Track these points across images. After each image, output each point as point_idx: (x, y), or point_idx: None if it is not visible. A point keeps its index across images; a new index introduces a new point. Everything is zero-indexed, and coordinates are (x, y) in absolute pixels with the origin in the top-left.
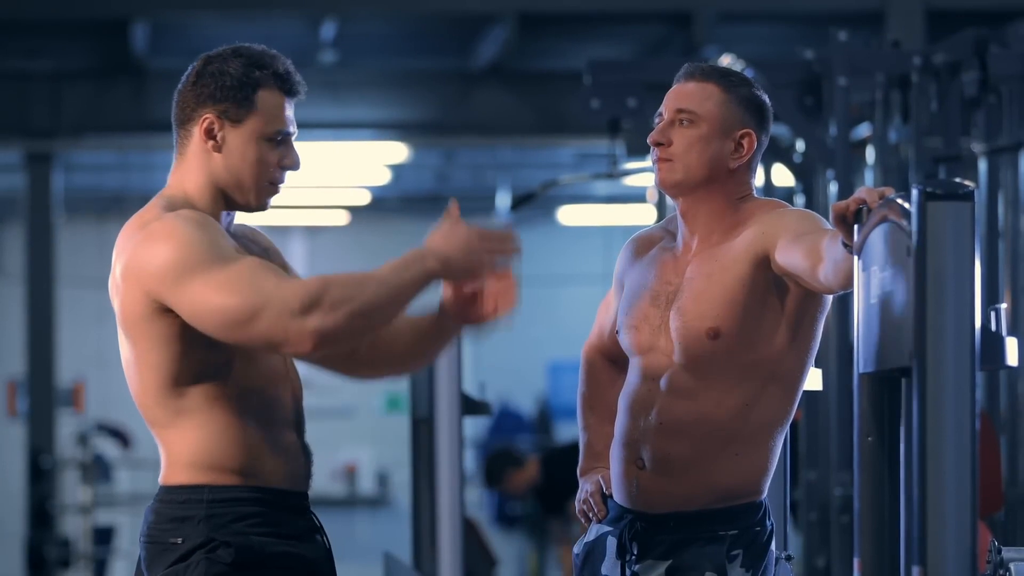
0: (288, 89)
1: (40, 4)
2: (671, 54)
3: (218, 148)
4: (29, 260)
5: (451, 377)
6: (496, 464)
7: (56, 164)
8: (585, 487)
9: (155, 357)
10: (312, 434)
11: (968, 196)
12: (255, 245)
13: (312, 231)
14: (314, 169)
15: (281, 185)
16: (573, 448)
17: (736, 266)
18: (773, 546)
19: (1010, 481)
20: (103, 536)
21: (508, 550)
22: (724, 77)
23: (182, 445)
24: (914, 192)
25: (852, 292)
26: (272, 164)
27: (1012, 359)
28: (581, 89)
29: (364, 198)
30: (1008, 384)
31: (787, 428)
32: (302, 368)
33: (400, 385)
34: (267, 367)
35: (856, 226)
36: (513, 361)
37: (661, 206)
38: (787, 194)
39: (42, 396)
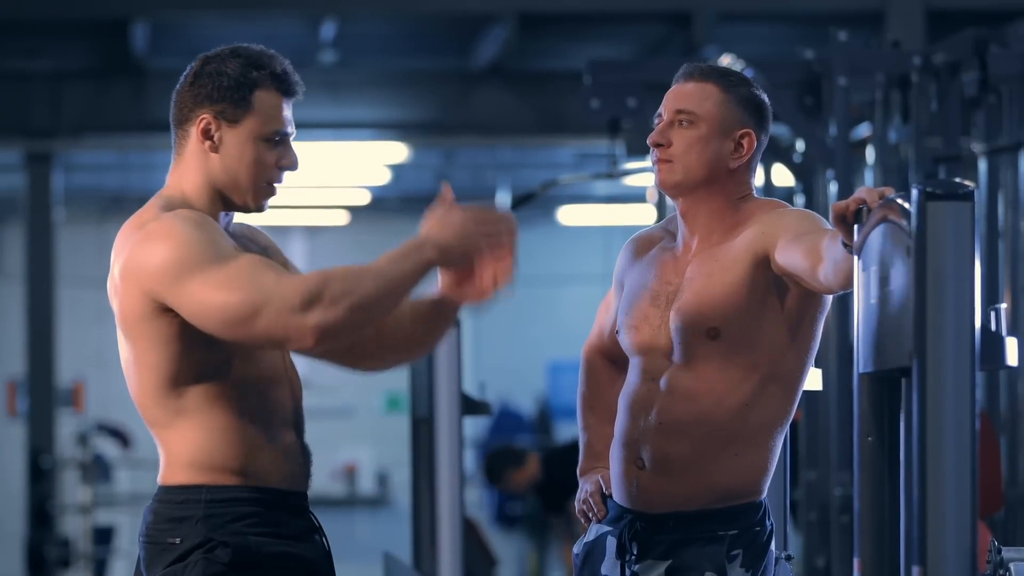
0: (286, 89)
1: (40, 4)
2: (671, 54)
3: (215, 148)
4: (29, 260)
5: (451, 377)
6: (497, 462)
7: (56, 164)
8: (585, 487)
9: (154, 357)
10: (312, 434)
11: (968, 196)
12: (254, 244)
13: (312, 231)
14: (314, 169)
15: (279, 185)
16: (574, 447)
17: (736, 266)
18: (773, 546)
19: (1010, 481)
20: (103, 536)
21: (508, 550)
22: (723, 77)
23: (181, 445)
24: (914, 192)
25: (852, 292)
26: (270, 164)
27: (1012, 359)
28: (581, 89)
29: (364, 198)
30: (1008, 384)
31: (787, 428)
32: (302, 368)
33: (400, 385)
34: (266, 367)
35: (856, 226)
36: (513, 361)
37: (661, 206)
38: (787, 194)
39: (42, 396)
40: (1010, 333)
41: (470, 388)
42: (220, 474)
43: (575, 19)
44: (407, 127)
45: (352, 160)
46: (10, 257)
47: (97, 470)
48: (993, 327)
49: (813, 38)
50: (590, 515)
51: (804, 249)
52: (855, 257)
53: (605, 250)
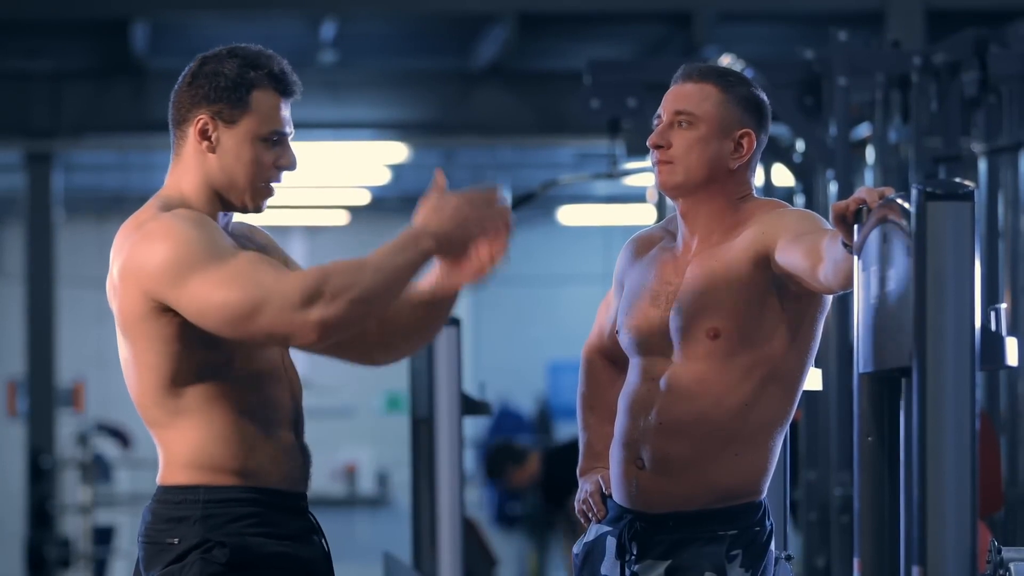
0: (283, 89)
1: (40, 4)
2: (671, 54)
3: (212, 149)
4: (29, 260)
5: (451, 377)
6: (497, 458)
7: (56, 164)
8: (585, 487)
9: (153, 357)
10: (312, 434)
11: (968, 196)
12: (252, 243)
13: (312, 231)
14: (314, 169)
15: (277, 185)
16: (574, 445)
17: (736, 266)
18: (773, 546)
19: (1010, 481)
20: (103, 536)
21: (508, 550)
22: (721, 77)
23: (180, 445)
24: (914, 192)
25: (852, 292)
26: (268, 165)
27: (1012, 359)
28: (581, 89)
29: (364, 198)
30: (1008, 384)
31: (787, 428)
32: (302, 368)
33: (400, 385)
34: (265, 367)
35: (856, 226)
36: (513, 361)
37: (661, 206)
38: (787, 194)
39: (42, 396)
40: (1010, 333)
41: (470, 388)
42: (218, 474)
43: (575, 19)
44: (407, 127)
45: (352, 160)
46: (10, 257)
47: (97, 470)
48: (993, 327)
49: (813, 38)
50: (590, 515)
51: (804, 249)
52: (855, 257)
53: (605, 250)
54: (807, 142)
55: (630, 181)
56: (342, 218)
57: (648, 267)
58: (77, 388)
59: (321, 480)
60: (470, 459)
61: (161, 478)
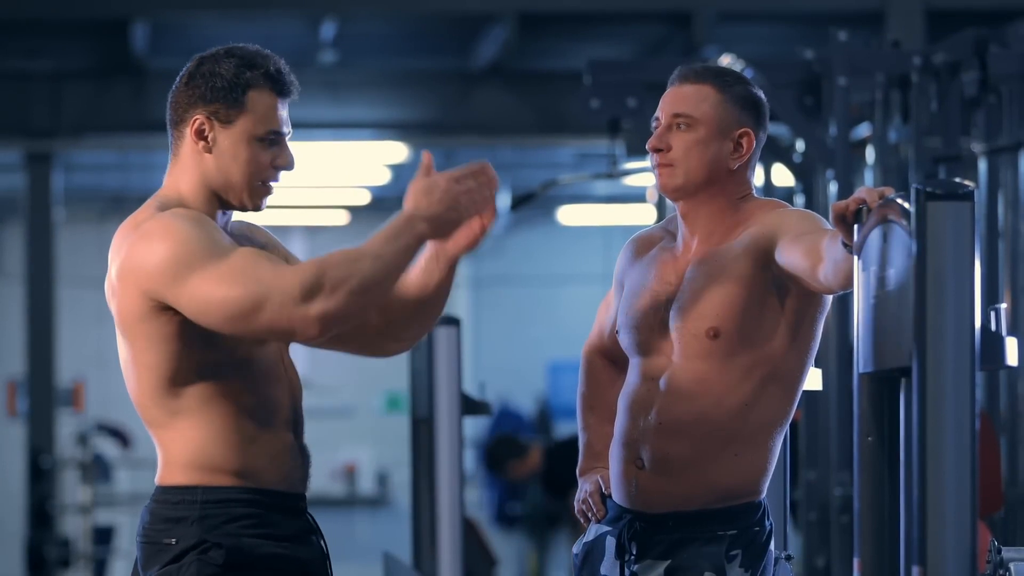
0: (280, 89)
1: (40, 4)
2: (671, 54)
3: (209, 149)
4: (29, 260)
5: (451, 377)
6: (499, 451)
7: (56, 164)
8: (584, 487)
9: (152, 357)
10: (312, 434)
11: (968, 196)
12: (252, 242)
13: (312, 231)
14: (314, 169)
15: (275, 185)
16: (576, 441)
17: (736, 266)
18: (772, 546)
19: (1010, 481)
20: (103, 536)
21: (508, 550)
22: (719, 77)
23: (178, 445)
24: (914, 192)
25: (852, 292)
26: (265, 164)
27: (1012, 359)
28: (581, 89)
29: (364, 198)
30: (1008, 384)
31: (787, 428)
32: (302, 368)
33: (400, 385)
34: (264, 367)
35: (856, 226)
36: (513, 361)
37: (661, 206)
38: (787, 194)
39: (42, 396)
40: (1010, 333)
41: (470, 388)
42: (217, 475)
43: (575, 19)
44: (407, 127)
45: (352, 160)
46: (10, 257)
47: (97, 470)
48: (993, 327)
49: (813, 38)
50: (589, 515)
51: (804, 249)
52: (855, 257)
53: (605, 250)
54: (807, 142)
55: (630, 181)
56: (342, 218)
57: (648, 267)
58: (77, 388)
59: (321, 480)
60: (470, 459)
61: (160, 478)
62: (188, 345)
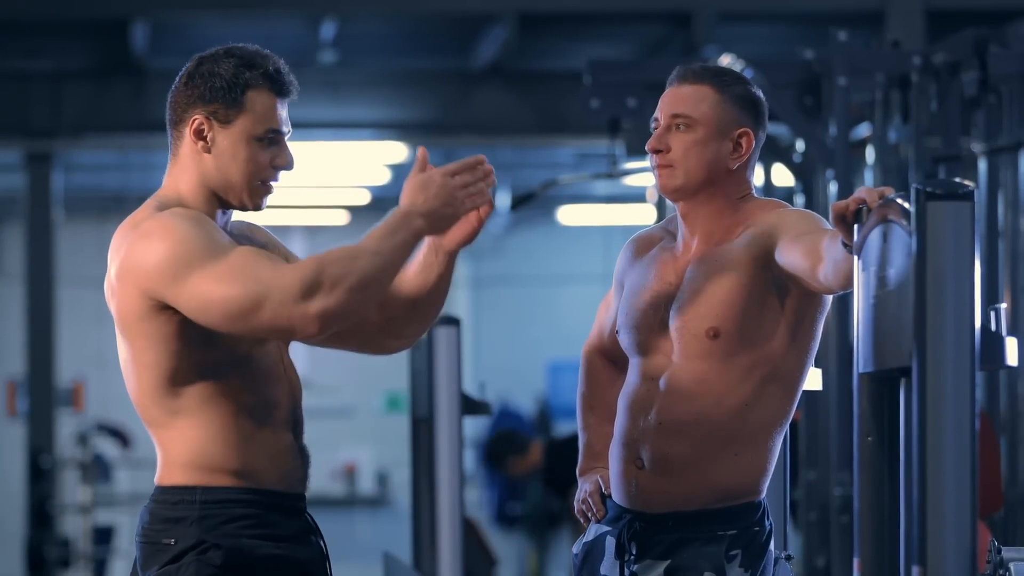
0: (279, 89)
1: (40, 4)
2: (671, 54)
3: (208, 149)
4: (29, 260)
5: (451, 377)
6: (499, 446)
7: (56, 164)
8: (584, 487)
9: (151, 356)
10: (312, 434)
11: (968, 196)
12: (252, 242)
13: (312, 231)
14: (314, 169)
15: (274, 184)
16: (576, 438)
17: (736, 266)
18: (772, 546)
19: (1010, 481)
20: (103, 536)
21: (508, 550)
22: (717, 77)
23: (178, 445)
24: (914, 192)
25: (852, 292)
26: (264, 164)
27: (1012, 359)
28: (581, 89)
29: (364, 198)
30: (1008, 384)
31: (787, 428)
32: (302, 368)
33: (400, 385)
34: (264, 367)
35: (856, 226)
36: (513, 361)
37: (661, 206)
38: (787, 194)
39: (42, 396)
40: (1010, 333)
41: (470, 388)
42: (216, 475)
43: (575, 19)
44: (407, 127)
45: (352, 160)
46: (10, 257)
47: (97, 470)
48: (993, 327)
49: (813, 38)
50: (589, 515)
51: (804, 249)
52: (855, 257)
53: (605, 250)
54: (807, 142)
55: (630, 181)
56: (342, 218)
57: (648, 267)
58: (77, 388)
59: (321, 480)
60: (470, 459)
61: (159, 478)
62: (187, 344)
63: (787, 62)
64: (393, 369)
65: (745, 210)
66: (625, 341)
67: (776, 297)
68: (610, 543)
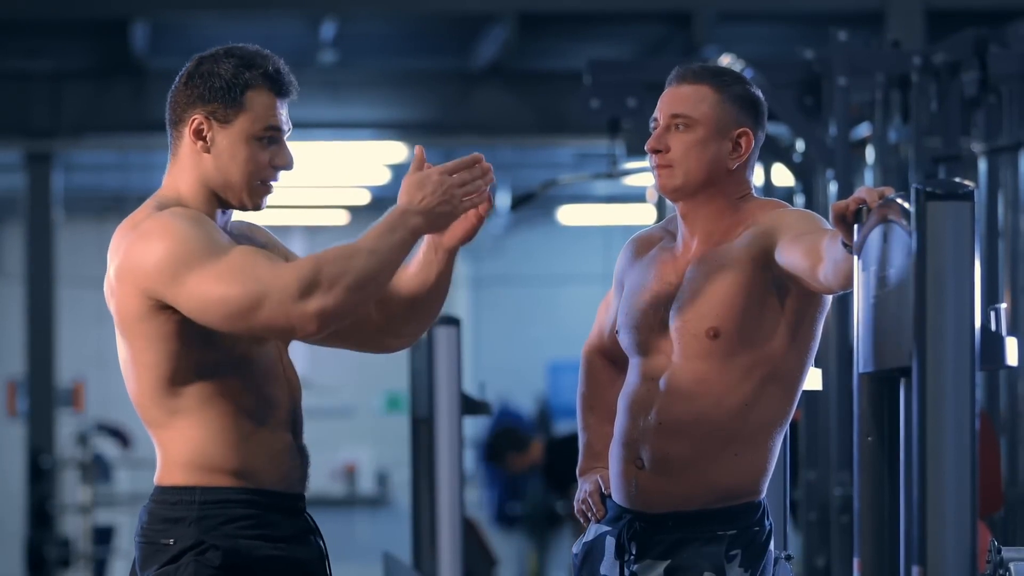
0: (279, 89)
1: (40, 4)
2: (671, 54)
3: (207, 149)
4: (29, 260)
5: (451, 377)
6: (499, 442)
7: (56, 164)
8: (584, 487)
9: (151, 356)
10: (312, 434)
11: (968, 196)
12: (252, 242)
13: (312, 231)
14: (314, 169)
15: (274, 184)
16: (577, 436)
17: (736, 266)
18: (772, 546)
19: (1010, 481)
20: (103, 536)
21: (508, 550)
22: (716, 77)
23: (177, 445)
24: (914, 192)
25: (852, 292)
26: (263, 164)
27: (1012, 359)
28: (581, 89)
29: (364, 198)
30: (1008, 384)
31: (787, 428)
32: (301, 368)
33: (400, 385)
34: (263, 367)
35: (856, 226)
36: (513, 361)
37: (661, 206)
38: (787, 194)
39: (42, 396)
40: (1010, 333)
41: (470, 388)
42: (215, 475)
43: (575, 19)
44: (407, 127)
45: (352, 160)
46: (10, 257)
47: (97, 470)
48: (993, 327)
49: (813, 38)
50: (589, 515)
51: (804, 249)
52: (855, 257)
53: (605, 250)
54: (807, 142)
55: (630, 181)
56: (342, 218)
57: (648, 267)
58: (77, 388)
59: (321, 480)
60: (470, 459)
61: (158, 478)
62: (187, 344)
63: (787, 62)
64: (393, 369)
65: (745, 210)
66: (625, 341)
67: (776, 297)
68: (610, 543)
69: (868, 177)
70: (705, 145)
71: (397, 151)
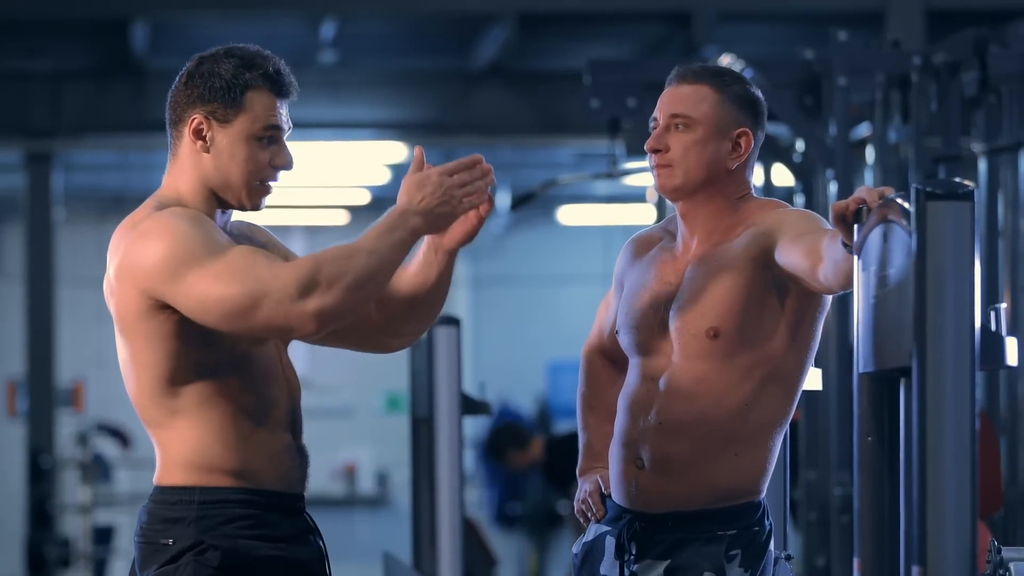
0: (279, 90)
1: (40, 4)
2: (671, 54)
3: (207, 148)
4: (29, 260)
5: (451, 377)
6: (500, 439)
7: (56, 164)
8: (584, 487)
9: (151, 356)
10: (312, 434)
11: (968, 196)
12: (252, 242)
13: (312, 231)
14: (314, 169)
15: (273, 184)
16: (577, 434)
17: (736, 266)
18: (772, 546)
19: (1010, 481)
20: (103, 536)
21: (508, 550)
22: (716, 77)
23: (176, 445)
24: (914, 192)
25: (852, 292)
26: (263, 164)
27: (1012, 359)
28: (581, 89)
29: (364, 198)
30: (1008, 384)
31: (787, 428)
32: (301, 368)
33: (400, 385)
34: (262, 367)
35: (856, 226)
36: (513, 361)
37: (661, 206)
38: (787, 194)
39: (42, 396)
40: (1010, 333)
41: (470, 388)
42: (214, 475)
43: (575, 19)
44: (407, 127)
45: (352, 160)
46: (10, 257)
47: (97, 470)
48: (993, 327)
49: (813, 38)
50: (589, 515)
51: (804, 249)
52: (855, 257)
53: (605, 250)
54: (807, 142)
55: (630, 181)
56: (342, 218)
57: (648, 267)
58: (77, 388)
59: (321, 480)
60: (470, 459)
61: (158, 478)
62: (186, 344)
63: (787, 62)
64: (393, 369)
65: (745, 210)
66: (625, 341)
67: (776, 297)
68: (610, 543)
69: (868, 177)
70: (705, 145)
71: (397, 151)
